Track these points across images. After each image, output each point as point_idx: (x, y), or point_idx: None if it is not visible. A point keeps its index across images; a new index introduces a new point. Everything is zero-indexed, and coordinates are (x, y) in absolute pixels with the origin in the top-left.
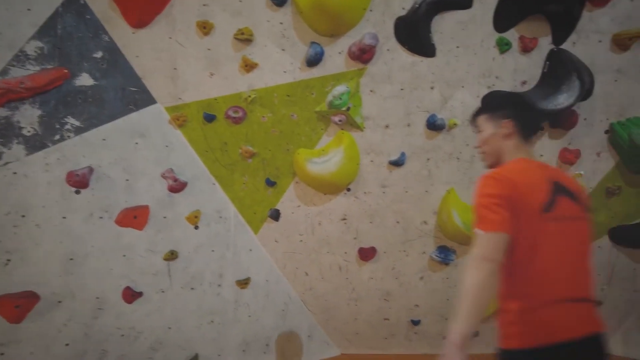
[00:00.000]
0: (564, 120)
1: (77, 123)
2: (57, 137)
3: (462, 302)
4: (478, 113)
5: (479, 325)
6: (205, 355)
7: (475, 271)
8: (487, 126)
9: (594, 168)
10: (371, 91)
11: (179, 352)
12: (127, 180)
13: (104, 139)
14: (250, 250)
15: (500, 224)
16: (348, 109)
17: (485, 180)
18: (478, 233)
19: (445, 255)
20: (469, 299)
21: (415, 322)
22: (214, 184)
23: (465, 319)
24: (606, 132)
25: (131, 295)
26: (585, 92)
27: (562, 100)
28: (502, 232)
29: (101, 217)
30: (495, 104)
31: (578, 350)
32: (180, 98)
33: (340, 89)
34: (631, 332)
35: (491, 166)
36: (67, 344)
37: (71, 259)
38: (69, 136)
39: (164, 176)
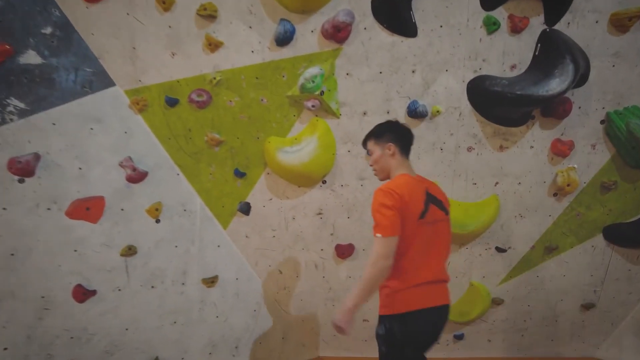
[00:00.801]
0: (556, 109)
1: (21, 105)
2: None
3: (360, 286)
4: (367, 139)
5: (363, 304)
6: (166, 358)
7: (373, 268)
8: (376, 149)
9: (588, 161)
10: (347, 74)
11: (137, 355)
12: (80, 168)
13: (53, 124)
14: (219, 246)
15: (393, 230)
16: (322, 93)
17: (381, 193)
18: (378, 237)
19: None
20: (364, 286)
21: None
22: (178, 174)
23: (357, 298)
24: (602, 122)
25: (83, 293)
26: (580, 78)
27: (555, 85)
28: (395, 236)
29: (49, 209)
30: (377, 132)
31: (429, 315)
32: (140, 80)
33: (312, 71)
34: (625, 336)
35: (383, 179)
36: (5, 348)
37: (12, 255)
38: (11, 119)
39: (121, 165)
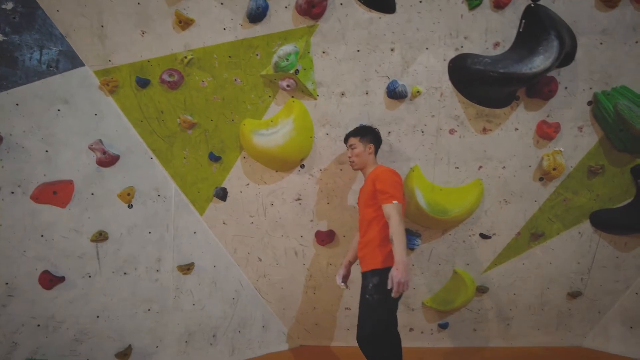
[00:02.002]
0: (541, 89)
1: None
2: None
3: (399, 242)
4: (351, 135)
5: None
6: (140, 347)
7: (401, 226)
8: (359, 145)
9: (575, 144)
10: (323, 52)
11: (109, 343)
12: (47, 151)
13: (16, 104)
14: (195, 232)
15: (403, 199)
16: (297, 72)
17: (391, 172)
18: (395, 203)
19: (409, 239)
20: (402, 240)
21: None
22: (151, 158)
23: (404, 251)
24: (589, 103)
25: (49, 280)
26: (566, 56)
27: (539, 63)
28: (403, 204)
29: (12, 192)
30: (361, 132)
31: None
32: (109, 60)
33: (287, 48)
34: (612, 325)
35: (357, 170)
36: None
37: None
38: None
39: (91, 148)
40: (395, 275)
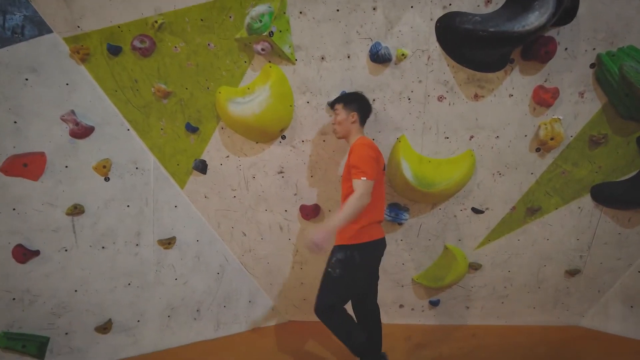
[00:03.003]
0: (538, 50)
1: None
2: None
3: (344, 214)
4: (336, 101)
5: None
6: (120, 321)
7: (359, 201)
8: (342, 112)
9: (575, 111)
10: (300, 13)
11: (88, 317)
12: (15, 122)
13: None
14: (176, 206)
15: (373, 176)
16: (271, 34)
17: (366, 146)
18: (363, 180)
19: (396, 214)
20: (348, 215)
21: None
22: (128, 129)
23: (340, 223)
24: (592, 65)
25: (23, 254)
26: (566, 13)
27: (533, 20)
28: (373, 180)
29: None
30: (347, 99)
31: (380, 245)
32: (78, 27)
33: (260, 9)
34: (612, 304)
35: (340, 138)
36: None
37: None
38: None
39: (63, 119)
40: (314, 235)
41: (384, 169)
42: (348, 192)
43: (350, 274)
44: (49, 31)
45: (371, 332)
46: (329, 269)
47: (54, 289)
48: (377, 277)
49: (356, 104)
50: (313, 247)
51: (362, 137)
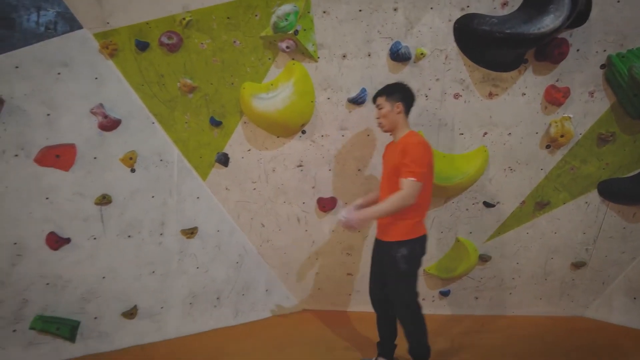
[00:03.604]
0: (552, 51)
1: None
2: None
3: (383, 208)
4: (378, 95)
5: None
6: (145, 307)
7: (401, 201)
8: (386, 105)
9: (585, 110)
10: (324, 12)
11: (115, 303)
12: (48, 115)
13: (16, 67)
14: (198, 198)
15: (423, 179)
16: (296, 32)
17: (422, 147)
18: (412, 180)
19: None
20: (387, 210)
21: None
22: (153, 122)
23: (377, 214)
24: (602, 66)
25: (56, 241)
26: (580, 16)
27: (548, 22)
28: (422, 183)
29: (16, 155)
30: (389, 90)
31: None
32: (108, 23)
33: (286, 8)
34: (615, 295)
35: (387, 132)
36: None
37: None
38: None
39: (93, 112)
40: (353, 216)
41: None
42: (393, 187)
43: (414, 267)
44: (80, 27)
45: (391, 330)
46: (397, 265)
47: (84, 276)
48: None
49: (399, 94)
50: (346, 224)
51: (414, 134)
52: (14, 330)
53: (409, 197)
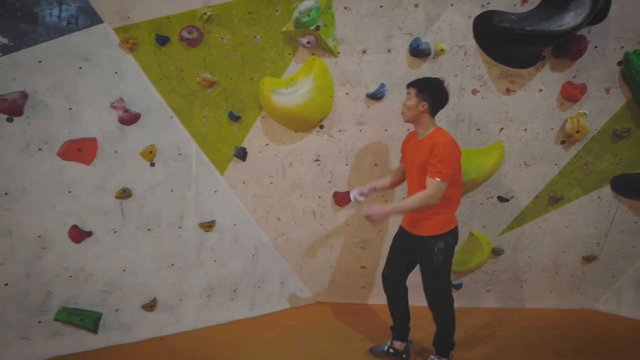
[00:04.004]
0: (570, 48)
1: (4, 40)
2: None
3: (406, 205)
4: (412, 84)
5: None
6: (164, 300)
7: (424, 201)
8: (414, 98)
9: (600, 106)
10: (345, 8)
11: (135, 296)
12: (70, 109)
13: (39, 61)
14: (215, 191)
15: (449, 179)
16: (317, 28)
17: (452, 145)
18: (437, 180)
19: None
20: (409, 207)
21: None
22: (171, 117)
23: (398, 210)
24: (619, 63)
25: (79, 234)
26: (599, 13)
27: (569, 20)
28: (447, 183)
29: (40, 149)
30: (422, 86)
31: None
32: (128, 17)
33: (307, 3)
34: (625, 289)
35: (407, 122)
36: (6, 284)
37: (6, 194)
38: None
39: (113, 106)
40: (377, 209)
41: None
42: (420, 184)
43: (450, 258)
44: (100, 21)
45: (404, 314)
46: (434, 258)
47: (105, 268)
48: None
49: (429, 94)
50: (368, 218)
51: (443, 133)
52: (39, 322)
53: (434, 197)
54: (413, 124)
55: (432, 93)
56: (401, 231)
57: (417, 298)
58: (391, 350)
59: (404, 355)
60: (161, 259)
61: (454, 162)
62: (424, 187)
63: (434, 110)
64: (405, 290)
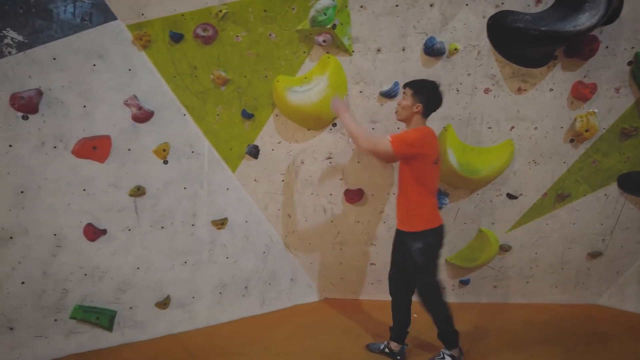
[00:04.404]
0: (582, 48)
1: (19, 37)
2: None
3: (353, 127)
4: (409, 85)
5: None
6: (177, 297)
7: (361, 135)
8: (409, 99)
9: (610, 105)
10: (361, 7)
11: (149, 293)
12: (84, 106)
13: (54, 58)
14: (227, 189)
15: (398, 152)
16: (334, 26)
17: (423, 131)
18: (388, 140)
19: (437, 198)
20: (352, 130)
21: None
22: (184, 114)
23: (347, 121)
24: (629, 63)
25: (93, 232)
26: (611, 14)
27: (584, 20)
28: (391, 154)
29: (55, 147)
30: (419, 87)
31: (443, 229)
32: (142, 14)
33: (324, 2)
34: (628, 284)
35: (400, 120)
36: (22, 282)
37: (22, 192)
38: (9, 52)
39: (127, 103)
40: (338, 102)
41: (437, 162)
42: (406, 177)
43: (431, 259)
44: (114, 18)
45: (405, 315)
46: (414, 258)
47: (119, 266)
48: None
49: (425, 96)
50: (333, 102)
51: (423, 127)
52: (55, 320)
53: (365, 142)
54: (405, 123)
55: (428, 95)
56: (396, 230)
57: None
58: (387, 350)
59: (399, 357)
60: (174, 257)
61: (414, 143)
62: (410, 182)
63: (427, 112)
64: (408, 293)
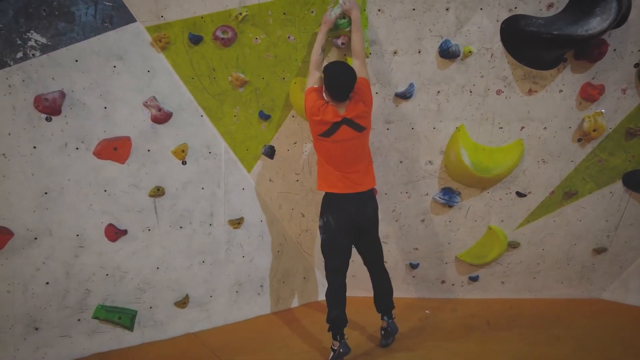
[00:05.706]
0: (591, 51)
1: (42, 40)
2: (20, 54)
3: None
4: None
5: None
6: (196, 297)
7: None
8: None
9: (617, 106)
10: (379, 10)
11: (168, 293)
12: (105, 108)
13: (76, 60)
14: (243, 189)
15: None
16: None
17: (311, 103)
18: (305, 92)
19: (449, 197)
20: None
21: (414, 266)
22: (202, 115)
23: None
24: (636, 65)
25: (115, 233)
26: (621, 17)
27: (595, 24)
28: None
29: (77, 148)
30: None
31: (342, 203)
32: (162, 16)
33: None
34: (632, 278)
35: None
36: (47, 283)
37: (45, 193)
38: (33, 54)
39: (146, 105)
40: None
41: (327, 135)
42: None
43: (330, 236)
44: (133, 20)
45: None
46: (320, 234)
47: (140, 266)
48: (373, 241)
49: (325, 81)
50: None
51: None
52: (79, 320)
53: (309, 72)
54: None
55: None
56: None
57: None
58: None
59: (389, 328)
60: (193, 256)
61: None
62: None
63: (330, 94)
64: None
